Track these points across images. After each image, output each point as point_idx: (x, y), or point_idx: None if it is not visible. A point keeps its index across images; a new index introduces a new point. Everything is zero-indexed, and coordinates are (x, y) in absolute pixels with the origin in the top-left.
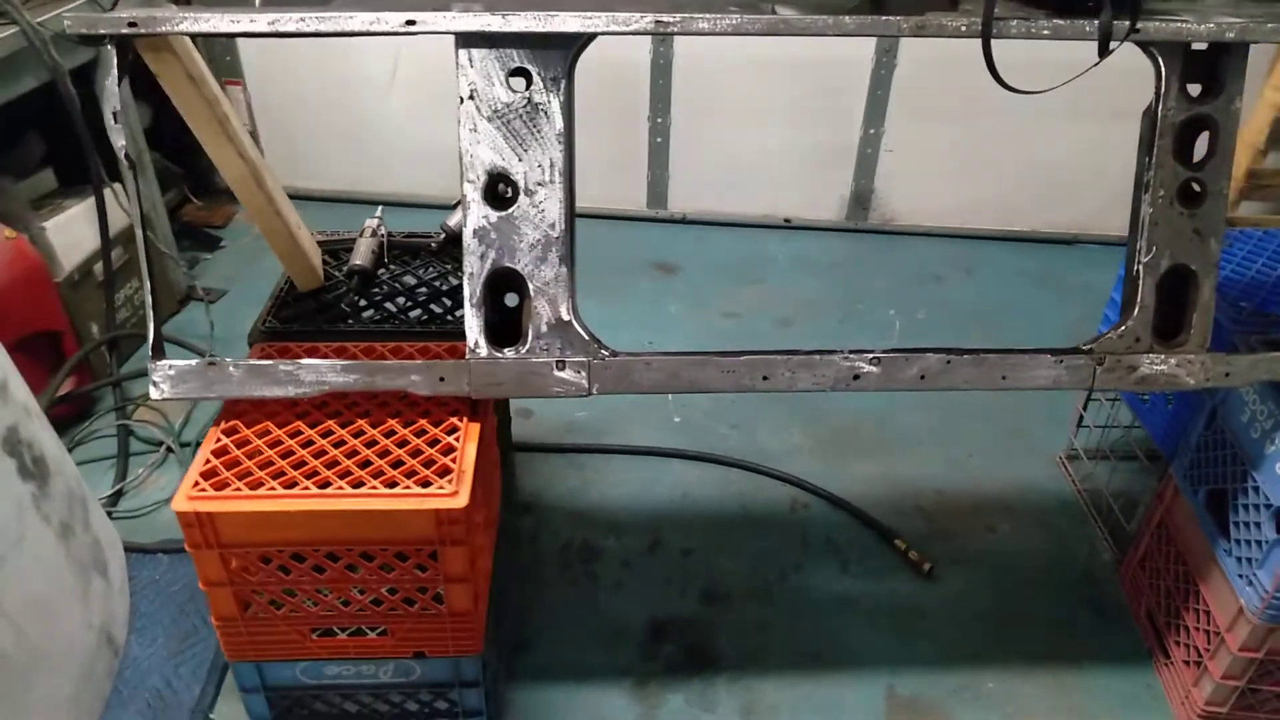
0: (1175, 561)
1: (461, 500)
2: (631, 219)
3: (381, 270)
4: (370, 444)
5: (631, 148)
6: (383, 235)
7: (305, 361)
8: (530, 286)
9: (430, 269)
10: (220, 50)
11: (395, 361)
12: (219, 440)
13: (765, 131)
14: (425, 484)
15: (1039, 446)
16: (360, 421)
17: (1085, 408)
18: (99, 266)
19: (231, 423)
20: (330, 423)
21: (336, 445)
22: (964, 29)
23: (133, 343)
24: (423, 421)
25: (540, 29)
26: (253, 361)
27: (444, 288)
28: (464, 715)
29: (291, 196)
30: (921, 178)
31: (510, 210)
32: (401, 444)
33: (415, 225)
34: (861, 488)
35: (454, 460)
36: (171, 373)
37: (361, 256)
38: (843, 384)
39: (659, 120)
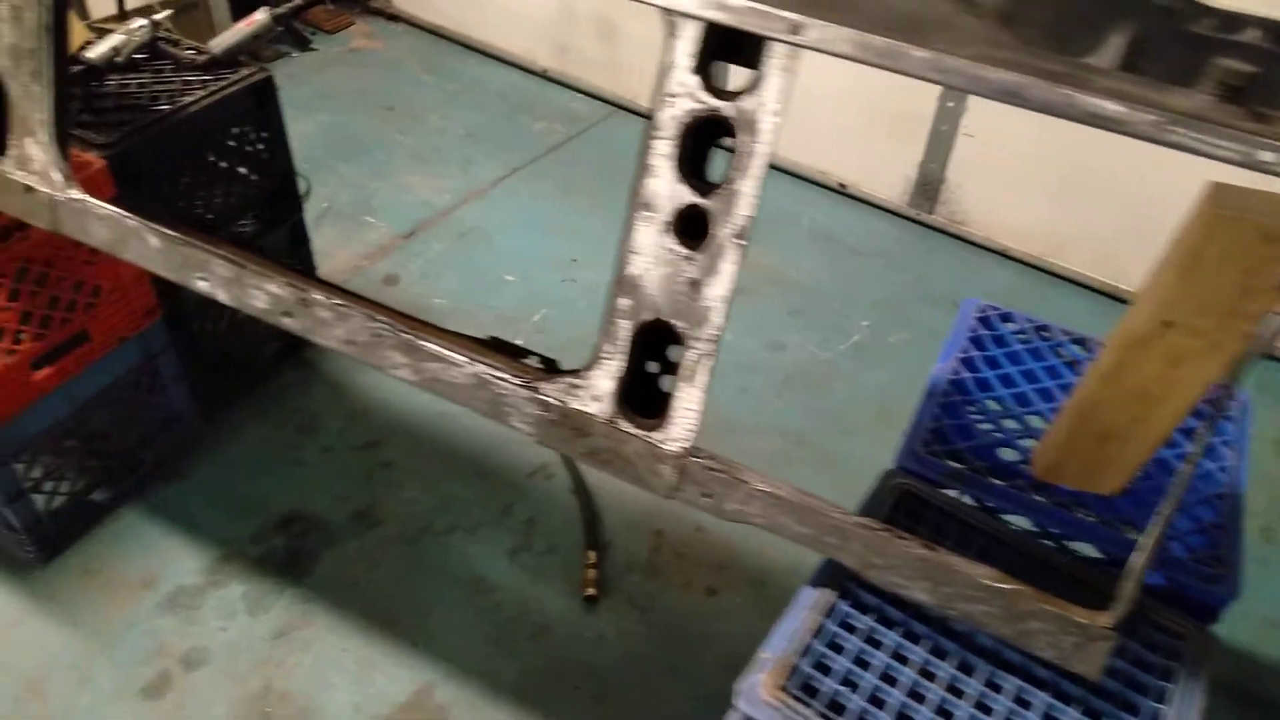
0: None
1: None
2: None
3: (115, 72)
4: None
5: None
6: (145, 35)
7: None
8: None
9: (171, 81)
10: None
11: None
12: None
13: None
14: None
15: None
16: None
17: None
18: None
19: None
20: None
21: None
22: None
23: None
24: None
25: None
26: None
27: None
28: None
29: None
30: (1003, 180)
31: None
32: None
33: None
34: (625, 486)
35: None
36: None
37: (98, 49)
38: (274, 316)
39: None
